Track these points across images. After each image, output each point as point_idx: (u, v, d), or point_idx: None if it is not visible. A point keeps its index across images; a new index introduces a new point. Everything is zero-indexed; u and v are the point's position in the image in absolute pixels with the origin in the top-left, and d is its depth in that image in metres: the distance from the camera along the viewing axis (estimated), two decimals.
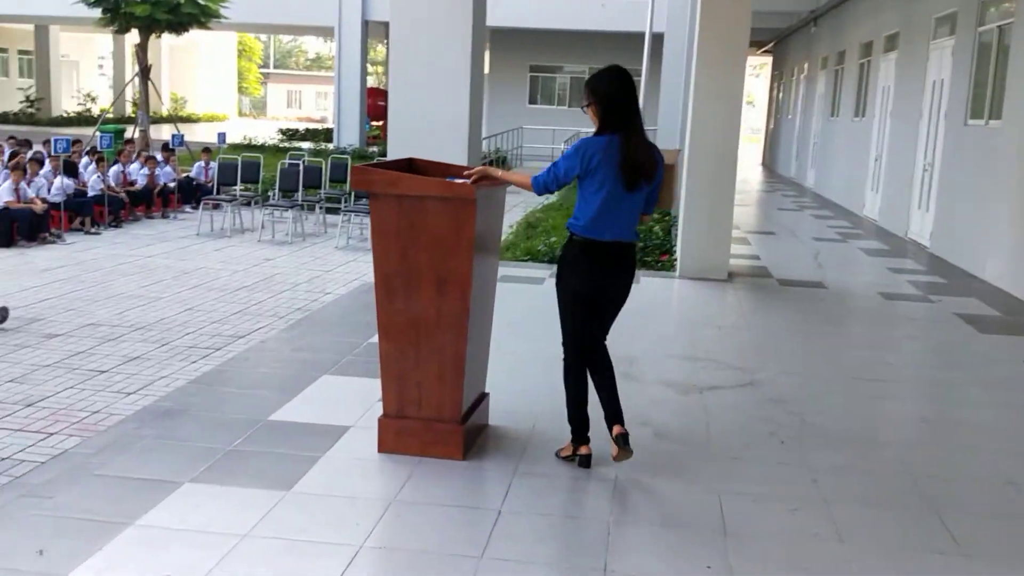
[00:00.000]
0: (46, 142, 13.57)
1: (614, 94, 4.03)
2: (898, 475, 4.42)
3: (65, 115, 35.10)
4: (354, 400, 5.00)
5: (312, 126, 36.85)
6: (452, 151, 6.69)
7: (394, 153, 6.95)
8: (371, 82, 34.24)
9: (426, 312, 4.10)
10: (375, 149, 23.35)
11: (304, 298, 8.70)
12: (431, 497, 3.89)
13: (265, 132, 30.00)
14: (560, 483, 4.12)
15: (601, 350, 4.26)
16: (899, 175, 13.22)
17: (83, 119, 32.97)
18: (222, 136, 18.00)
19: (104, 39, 39.62)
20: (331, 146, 23.67)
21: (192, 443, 4.41)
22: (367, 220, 7.17)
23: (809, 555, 3.57)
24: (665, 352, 6.39)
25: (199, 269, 9.99)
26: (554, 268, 4.65)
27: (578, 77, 29.19)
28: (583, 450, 4.26)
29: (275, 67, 67.15)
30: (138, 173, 14.06)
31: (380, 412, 4.34)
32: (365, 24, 25.48)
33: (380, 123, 26.67)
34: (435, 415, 4.19)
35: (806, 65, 23.03)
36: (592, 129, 4.14)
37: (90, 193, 12.67)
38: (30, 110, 34.37)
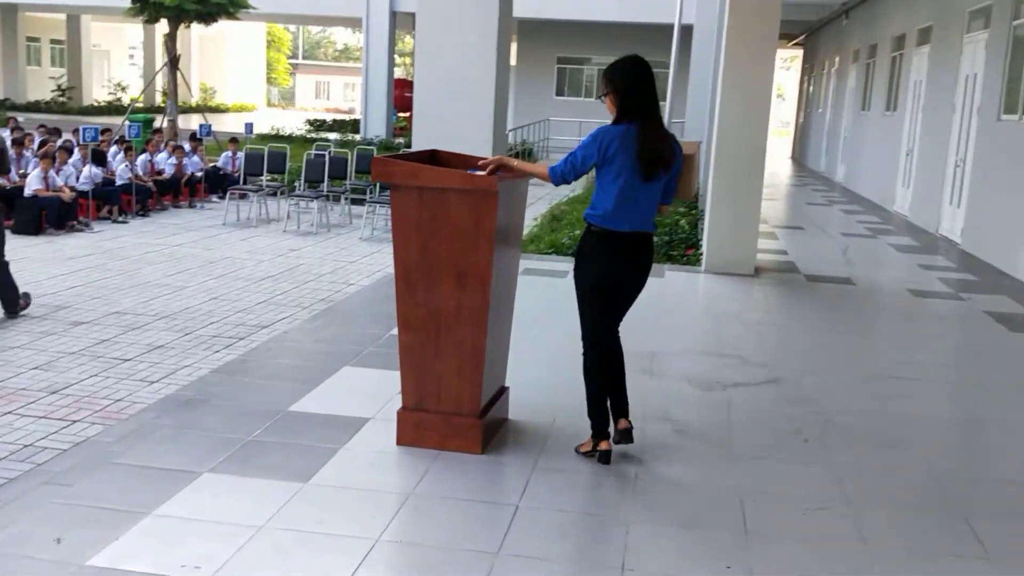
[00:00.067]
0: (75, 131, 13.67)
1: (632, 83, 4.00)
2: (924, 476, 4.34)
3: (96, 104, 35.40)
4: (374, 392, 4.98)
5: (340, 117, 36.96)
6: (477, 143, 6.66)
7: (419, 144, 6.92)
8: (399, 73, 34.28)
9: (446, 305, 4.07)
10: (401, 140, 23.36)
11: (328, 289, 8.71)
12: (449, 491, 3.86)
13: (293, 123, 30.11)
14: (579, 479, 4.08)
15: (615, 342, 4.24)
16: (930, 170, 13.03)
17: (113, 108, 33.24)
18: (249, 126, 18.08)
19: (135, 29, 39.91)
20: (358, 137, 23.72)
21: (212, 433, 4.42)
22: None
23: (831, 557, 3.51)
24: (689, 348, 6.33)
25: (225, 259, 10.03)
26: None
27: None
28: (603, 446, 4.21)
29: (304, 58, 67.40)
30: (166, 162, 14.15)
31: (399, 405, 4.32)
32: (393, 15, 25.48)
33: (407, 114, 26.69)
34: (454, 409, 4.17)
35: (837, 58, 22.77)
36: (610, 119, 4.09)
37: (118, 182, 12.76)
38: (61, 99, 34.71)
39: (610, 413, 4.22)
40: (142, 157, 13.68)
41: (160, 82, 30.48)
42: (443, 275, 4.05)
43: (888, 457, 4.56)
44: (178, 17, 20.95)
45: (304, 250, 10.85)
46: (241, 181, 13.92)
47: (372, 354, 5.78)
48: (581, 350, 4.25)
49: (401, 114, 27.88)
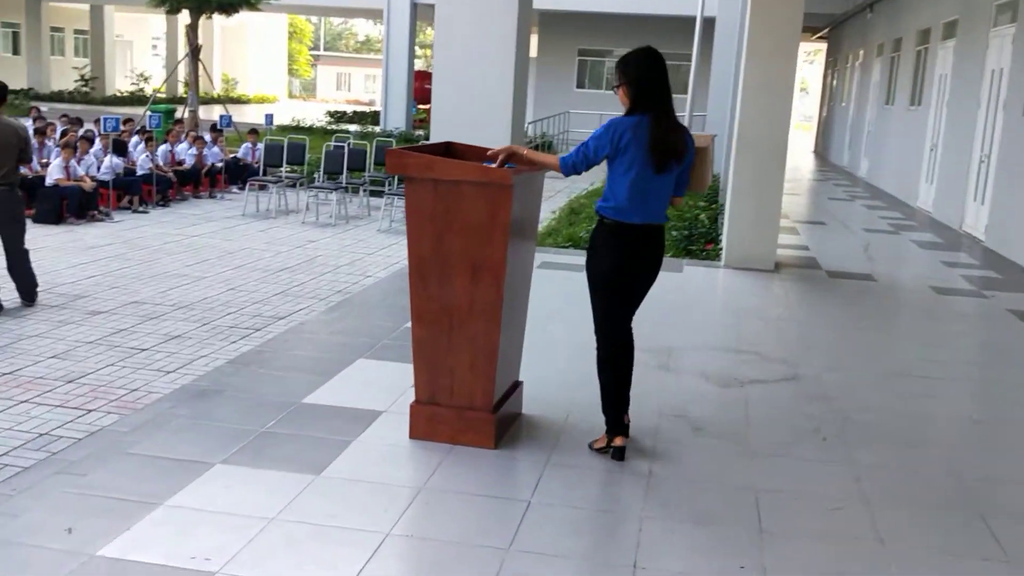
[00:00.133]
0: (97, 121, 13.74)
1: (645, 75, 3.97)
2: (944, 476, 4.28)
3: (119, 94, 35.62)
4: (388, 385, 4.97)
5: (360, 109, 36.98)
6: (495, 135, 6.62)
7: (437, 137, 6.89)
8: (419, 65, 34.23)
9: (459, 299, 4.04)
10: (421, 132, 23.34)
11: (345, 280, 8.70)
12: (461, 486, 3.84)
13: (314, 114, 30.16)
14: (593, 475, 4.05)
15: (628, 335, 4.20)
16: (955, 166, 12.87)
17: (136, 99, 33.42)
18: (269, 118, 18.11)
19: (157, 19, 40.09)
20: (378, 129, 23.72)
21: (225, 424, 4.41)
22: None
23: (848, 557, 3.46)
24: (706, 343, 6.27)
25: (243, 249, 10.05)
26: None
27: None
28: (617, 441, 4.18)
29: (325, 49, 67.53)
30: (186, 153, 14.20)
31: (413, 398, 4.30)
32: (414, 7, 25.43)
33: (427, 106, 26.64)
34: (467, 403, 4.14)
35: (861, 52, 22.55)
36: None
37: (139, 172, 12.81)
38: (85, 89, 34.92)
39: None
40: (163, 147, 13.73)
41: (182, 73, 30.61)
42: (457, 268, 4.02)
43: (907, 456, 4.50)
44: (199, 7, 20.99)
45: (322, 242, 10.85)
46: (261, 172, 13.94)
47: (387, 346, 5.77)
48: (595, 345, 4.22)
49: (421, 106, 27.85)
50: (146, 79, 38.65)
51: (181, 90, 32.85)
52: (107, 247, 9.76)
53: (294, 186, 13.69)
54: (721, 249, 9.32)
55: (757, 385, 5.43)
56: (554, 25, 29.45)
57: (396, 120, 24.66)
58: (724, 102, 16.24)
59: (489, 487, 3.86)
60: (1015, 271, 9.60)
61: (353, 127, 25.34)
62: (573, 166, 4.00)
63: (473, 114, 6.99)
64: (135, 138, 13.68)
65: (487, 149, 4.45)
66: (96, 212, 11.43)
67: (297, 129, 22.66)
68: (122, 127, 13.96)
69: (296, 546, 3.30)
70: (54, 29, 37.53)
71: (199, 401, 4.78)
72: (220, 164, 14.74)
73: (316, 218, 12.47)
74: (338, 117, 30.82)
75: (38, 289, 7.27)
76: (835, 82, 27.85)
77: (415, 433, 4.24)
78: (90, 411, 5.01)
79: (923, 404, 5.35)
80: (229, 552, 3.21)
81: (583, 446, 4.29)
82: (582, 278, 4.25)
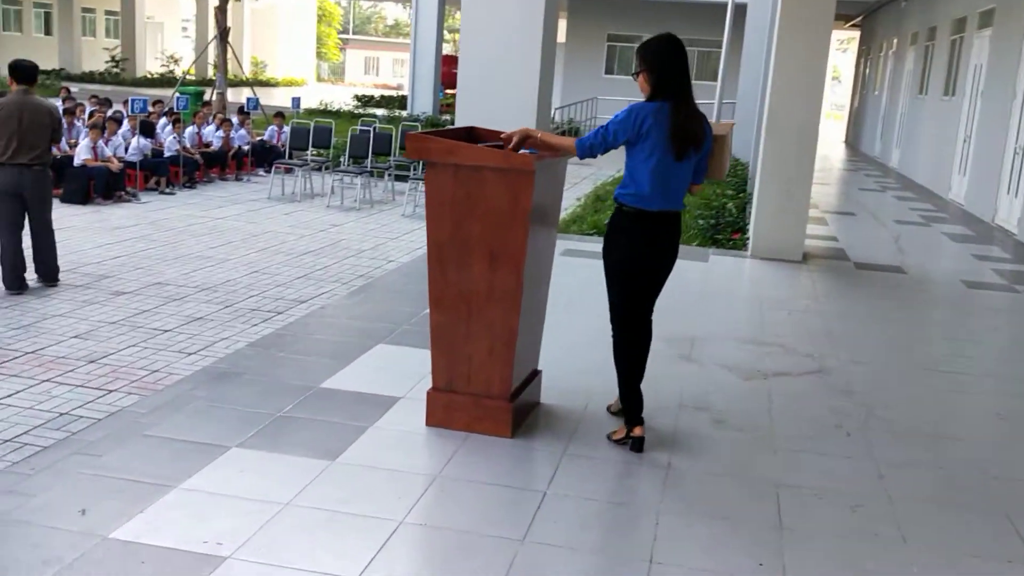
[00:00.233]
0: (125, 102, 13.80)
1: (666, 62, 3.94)
2: (970, 474, 4.19)
3: (149, 76, 35.80)
4: (406, 371, 4.94)
5: (388, 93, 36.97)
6: (521, 121, 6.51)
7: (462, 122, 6.84)
8: (447, 49, 34.15)
9: (478, 285, 4.00)
10: (448, 117, 23.28)
11: (367, 265, 8.69)
12: (476, 474, 3.80)
13: (341, 98, 30.18)
14: (610, 467, 4.00)
15: (646, 324, 4.15)
16: (988, 158, 12.64)
17: (166, 80, 33.57)
18: (296, 101, 18.13)
19: (188, 1, 40.27)
20: (405, 113, 23.68)
21: (243, 407, 4.40)
22: None
23: (869, 556, 3.38)
24: (731, 335, 6.19)
25: (267, 232, 10.06)
26: None
27: None
28: (636, 431, 4.13)
29: (354, 33, 67.54)
30: (213, 135, 14.24)
31: (430, 385, 4.27)
32: None
33: (454, 91, 26.54)
34: (484, 391, 4.10)
35: (895, 41, 22.20)
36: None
37: (166, 154, 12.86)
38: (115, 70, 35.15)
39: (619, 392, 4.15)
40: (190, 129, 13.78)
41: (211, 55, 30.73)
42: (476, 255, 3.97)
43: (932, 453, 4.41)
44: None
45: (346, 226, 10.85)
46: (286, 155, 13.96)
47: (407, 332, 5.74)
48: (611, 333, 4.17)
49: (448, 91, 27.76)
50: (176, 61, 38.83)
51: (210, 72, 32.96)
52: (133, 228, 9.81)
53: (319, 170, 13.69)
54: (748, 239, 9.21)
55: (781, 378, 5.35)
56: (583, 10, 29.25)
57: (423, 105, 24.61)
58: (754, 89, 16.04)
59: (504, 477, 3.83)
60: None
61: (380, 111, 25.34)
62: (590, 148, 3.95)
63: (499, 99, 6.92)
64: (163, 120, 13.73)
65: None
66: (123, 193, 11.49)
67: (324, 113, 22.70)
68: (151, 108, 14.02)
69: (309, 532, 3.28)
70: (85, 10, 37.76)
71: (218, 383, 4.78)
72: (247, 147, 14.77)
73: (341, 202, 12.47)
74: (365, 101, 30.83)
75: (61, 271, 7.30)
76: (868, 71, 27.47)
77: (432, 420, 4.21)
78: (110, 391, 5.02)
79: (949, 400, 5.25)
80: (242, 537, 3.20)
81: (601, 437, 4.24)
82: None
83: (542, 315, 4.51)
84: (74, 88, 20.21)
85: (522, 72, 6.98)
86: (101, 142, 11.46)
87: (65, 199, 10.72)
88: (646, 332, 4.20)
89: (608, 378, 4.33)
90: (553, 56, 7.46)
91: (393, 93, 37.03)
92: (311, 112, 21.37)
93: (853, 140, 27.94)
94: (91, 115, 13.46)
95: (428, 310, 4.16)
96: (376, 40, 68.95)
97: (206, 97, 19.33)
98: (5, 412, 4.60)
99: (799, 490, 3.88)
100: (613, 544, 3.40)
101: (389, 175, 13.46)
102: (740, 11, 18.22)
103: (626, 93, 27.45)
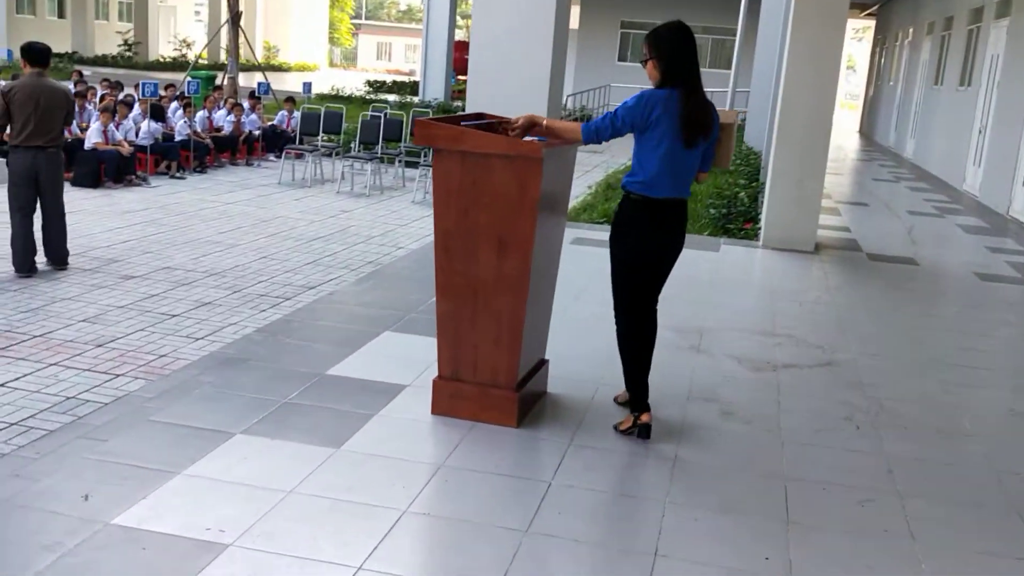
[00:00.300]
0: (137, 85, 13.80)
1: (676, 49, 3.92)
2: (981, 470, 4.14)
3: (161, 60, 35.84)
4: (413, 359, 4.92)
5: (400, 79, 36.88)
6: (532, 108, 6.45)
7: (473, 108, 6.79)
8: (460, 35, 34.03)
9: (485, 273, 3.96)
10: (459, 103, 23.20)
11: (376, 252, 8.66)
12: (481, 464, 3.77)
13: (353, 83, 30.12)
14: (616, 458, 3.97)
15: (652, 314, 4.12)
16: (1004, 149, 12.51)
17: (179, 64, 33.59)
18: (307, 86, 18.09)
19: None
20: (416, 99, 23.61)
21: (249, 393, 4.39)
22: None
23: (876, 552, 3.35)
24: (740, 326, 6.14)
25: (277, 218, 10.04)
26: None
27: None
28: (644, 418, 4.10)
29: (366, 18, 67.38)
30: (224, 120, 14.22)
31: (436, 373, 4.24)
32: None
33: (466, 77, 26.46)
34: (490, 380, 4.07)
35: (911, 30, 21.99)
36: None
37: (177, 138, 12.85)
38: (128, 54, 35.18)
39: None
40: (201, 114, 13.76)
41: (224, 39, 30.70)
42: (483, 243, 3.94)
43: (942, 448, 4.37)
44: None
45: (356, 212, 10.82)
46: (296, 141, 13.93)
47: (414, 320, 5.72)
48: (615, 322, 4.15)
49: (461, 77, 27.70)
50: (189, 45, 38.84)
51: (223, 57, 32.96)
52: (143, 212, 9.81)
53: (330, 155, 13.66)
54: (760, 228, 9.14)
55: (790, 370, 5.30)
56: None
57: (435, 91, 24.53)
58: (768, 78, 15.92)
59: (509, 467, 3.80)
60: None
61: (392, 97, 25.28)
62: (596, 131, 3.91)
63: (510, 86, 6.88)
64: (174, 104, 13.72)
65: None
66: (133, 177, 11.49)
67: (335, 98, 22.65)
68: (162, 92, 14.00)
69: (312, 520, 3.26)
70: None
71: (225, 369, 4.76)
72: (257, 132, 14.75)
73: (351, 188, 12.44)
74: (377, 87, 30.76)
75: (70, 254, 7.30)
76: (883, 60, 27.24)
77: (437, 409, 4.18)
78: (117, 376, 5.01)
79: (961, 394, 5.20)
80: (244, 524, 3.18)
81: (608, 427, 4.21)
82: None
83: (550, 304, 4.47)
84: (86, 71, 20.20)
85: (533, 58, 6.93)
86: (112, 126, 11.45)
87: (76, 183, 10.72)
88: (652, 322, 4.17)
89: (616, 368, 4.29)
90: (565, 42, 7.40)
91: (405, 79, 36.93)
92: (322, 97, 21.32)
93: (867, 130, 27.74)
94: (102, 98, 13.45)
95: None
96: (389, 25, 68.77)
97: (217, 81, 19.31)
98: (12, 395, 4.60)
99: (807, 484, 3.84)
100: (618, 536, 3.37)
101: (400, 161, 13.42)
102: None
103: (639, 80, 27.20)
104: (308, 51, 48.83)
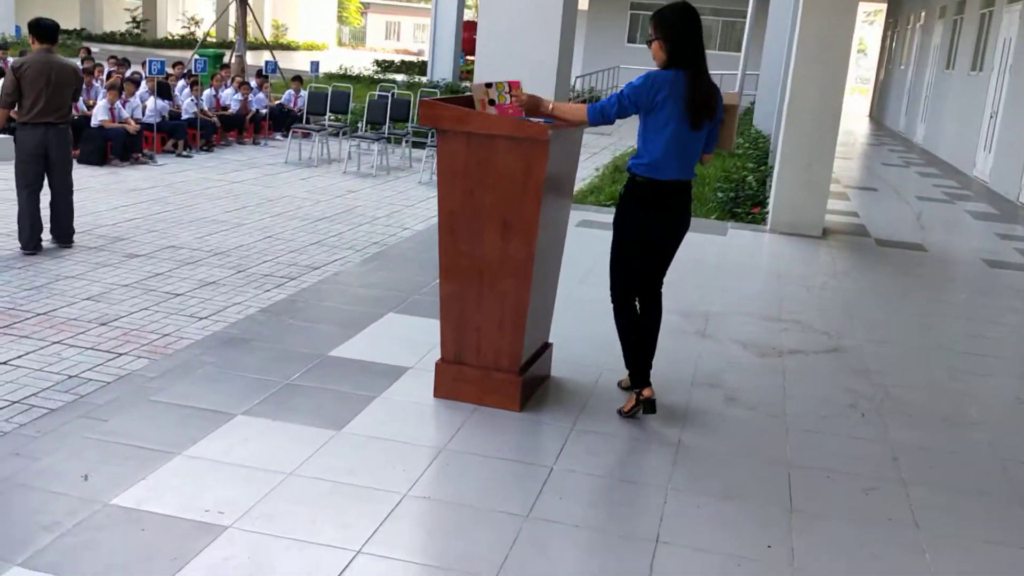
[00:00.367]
0: (144, 63, 13.73)
1: (682, 30, 3.88)
2: (987, 459, 4.11)
3: (169, 37, 35.72)
4: (416, 341, 4.90)
5: (408, 59, 36.70)
6: (539, 89, 6.37)
7: None
8: (469, 15, 33.80)
9: (489, 256, 3.93)
10: (467, 84, 23.08)
11: (382, 232, 8.63)
12: (482, 448, 3.76)
13: (361, 63, 29.98)
14: (619, 443, 3.94)
15: (656, 298, 4.09)
16: (1015, 135, 12.40)
17: (187, 42, 33.46)
18: (315, 65, 18.01)
19: None
20: (424, 79, 23.50)
21: (251, 374, 4.38)
22: None
23: (880, 540, 3.32)
24: (746, 311, 6.10)
25: (283, 197, 10.01)
26: None
27: None
28: (645, 392, 4.07)
29: None
30: (231, 98, 14.16)
31: (439, 356, 4.22)
32: None
33: (474, 58, 26.29)
34: (493, 363, 4.05)
35: (923, 13, 21.78)
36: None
37: (184, 116, 12.81)
38: (136, 31, 35.08)
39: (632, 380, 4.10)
40: (207, 92, 13.71)
41: (232, 17, 30.55)
42: (487, 225, 3.90)
43: (948, 436, 4.33)
44: None
45: (362, 192, 10.78)
46: (303, 120, 13.88)
47: (418, 301, 5.69)
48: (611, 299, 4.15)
49: (469, 57, 27.52)
50: (197, 23, 38.67)
51: (231, 35, 32.83)
52: (149, 190, 9.79)
53: (337, 135, 13.61)
54: (768, 213, 9.08)
55: (796, 355, 5.27)
56: None
57: (443, 71, 24.40)
58: (778, 61, 15.80)
59: (511, 451, 3.78)
60: None
61: (400, 77, 25.17)
62: (602, 111, 3.88)
63: (518, 66, 6.79)
64: (181, 82, 13.66)
65: None
66: (140, 155, 11.47)
67: (343, 77, 22.55)
68: (169, 70, 13.94)
69: (312, 503, 3.25)
70: None
71: (228, 349, 4.75)
72: (264, 110, 14.70)
73: (357, 168, 12.40)
74: (385, 66, 30.59)
75: (76, 232, 7.29)
76: (894, 44, 27.01)
77: (440, 392, 4.16)
78: (120, 355, 5.00)
79: (968, 381, 5.16)
80: (243, 506, 3.17)
81: (612, 412, 4.19)
82: None
83: (554, 287, 4.44)
84: (94, 48, 20.12)
85: (542, 39, 6.86)
86: (118, 103, 11.42)
87: (82, 160, 10.70)
88: (656, 306, 4.14)
89: (620, 352, 4.26)
90: (573, 23, 7.33)
91: (414, 59, 36.75)
92: (330, 76, 21.23)
93: (878, 114, 27.54)
94: (109, 76, 13.40)
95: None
96: (398, 5, 68.33)
97: (225, 60, 19.23)
98: (15, 373, 4.59)
99: (811, 471, 3.81)
100: (619, 522, 3.35)
101: (407, 142, 13.37)
102: None
103: (649, 62, 26.85)
104: (316, 30, 48.64)
